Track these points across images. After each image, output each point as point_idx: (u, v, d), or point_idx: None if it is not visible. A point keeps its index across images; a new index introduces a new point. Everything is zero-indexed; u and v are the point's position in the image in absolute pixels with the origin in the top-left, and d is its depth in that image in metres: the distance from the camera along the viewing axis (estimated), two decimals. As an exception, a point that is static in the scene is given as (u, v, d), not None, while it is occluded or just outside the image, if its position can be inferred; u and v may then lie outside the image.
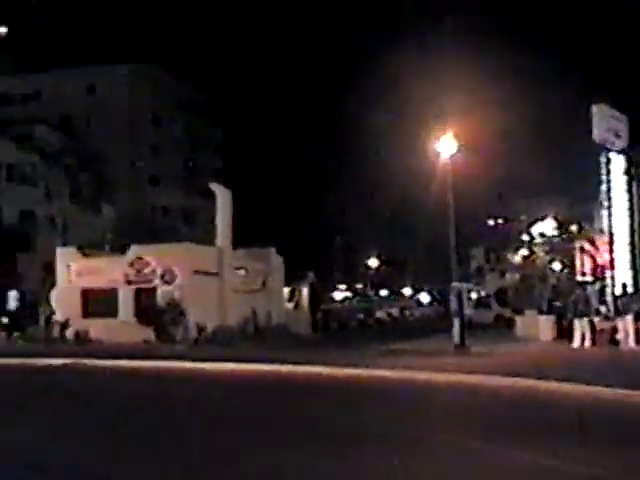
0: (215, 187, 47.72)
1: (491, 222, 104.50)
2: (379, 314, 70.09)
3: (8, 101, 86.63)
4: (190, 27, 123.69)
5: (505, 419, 15.59)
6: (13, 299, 62.15)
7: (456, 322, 33.81)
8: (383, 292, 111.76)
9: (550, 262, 52.05)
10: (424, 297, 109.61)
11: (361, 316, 64.08)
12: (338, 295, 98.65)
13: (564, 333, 35.79)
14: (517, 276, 72.27)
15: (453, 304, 34.69)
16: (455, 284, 34.96)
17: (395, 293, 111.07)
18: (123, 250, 45.76)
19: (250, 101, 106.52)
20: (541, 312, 40.40)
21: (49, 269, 54.11)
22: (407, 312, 75.60)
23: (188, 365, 28.50)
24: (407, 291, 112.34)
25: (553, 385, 19.94)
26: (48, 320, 44.20)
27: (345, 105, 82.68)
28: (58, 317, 43.59)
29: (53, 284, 47.34)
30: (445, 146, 35.20)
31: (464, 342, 33.18)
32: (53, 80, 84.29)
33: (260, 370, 26.45)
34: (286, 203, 76.46)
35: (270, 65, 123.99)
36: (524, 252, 69.08)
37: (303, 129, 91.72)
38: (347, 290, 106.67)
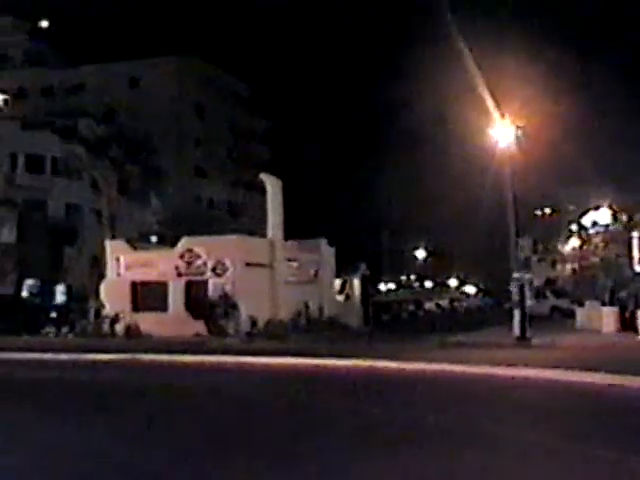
0: (265, 177, 47.00)
1: (538, 212, 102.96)
2: (428, 305, 69.34)
3: (52, 94, 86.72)
4: (234, 18, 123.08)
5: (582, 415, 14.97)
6: (60, 293, 61.95)
7: (517, 313, 33.00)
8: (428, 284, 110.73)
9: (608, 252, 51.00)
10: (470, 288, 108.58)
11: (411, 308, 63.40)
12: (383, 287, 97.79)
13: (628, 325, 34.82)
14: (568, 266, 71.14)
15: (515, 295, 33.81)
16: (517, 274, 34.09)
17: (440, 285, 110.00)
18: (173, 242, 45.21)
19: (296, 91, 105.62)
20: (604, 303, 39.37)
21: (96, 262, 53.77)
22: (456, 303, 74.63)
23: (244, 359, 27.65)
24: (453, 282, 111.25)
25: (625, 379, 18.98)
26: (97, 314, 43.66)
27: (394, 92, 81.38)
28: (108, 311, 43.03)
29: (100, 278, 46.93)
30: (503, 133, 34.38)
31: (525, 334, 32.32)
32: (97, 73, 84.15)
33: (319, 364, 25.56)
34: (334, 194, 75.72)
35: (316, 53, 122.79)
36: (575, 242, 67.89)
37: (351, 118, 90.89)
38: (391, 282, 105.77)
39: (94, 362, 28.43)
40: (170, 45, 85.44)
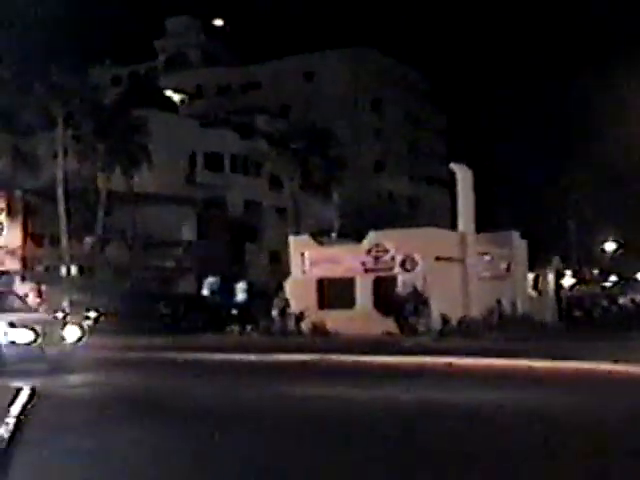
0: (456, 167, 44.95)
1: None
2: (622, 301, 65.77)
3: (228, 92, 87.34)
4: (410, 9, 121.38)
5: None
6: (241, 291, 61.54)
7: None
8: (612, 278, 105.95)
9: None
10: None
11: (605, 303, 60.14)
12: (566, 282, 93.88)
13: None
14: None
15: None
16: None
17: (626, 279, 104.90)
18: (357, 237, 43.83)
19: (474, 81, 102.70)
20: None
21: (277, 259, 53.04)
22: (654, 299, 70.36)
23: (447, 360, 25.14)
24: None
25: None
26: (283, 312, 42.54)
27: (581, 76, 77.71)
28: (293, 308, 41.90)
29: (282, 274, 46.06)
30: None
31: None
32: (272, 69, 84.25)
33: (533, 367, 23.00)
34: (520, 185, 73.02)
35: (496, 42, 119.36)
36: None
37: (534, 107, 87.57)
38: (573, 276, 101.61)
39: (287, 364, 26.40)
40: (344, 37, 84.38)
